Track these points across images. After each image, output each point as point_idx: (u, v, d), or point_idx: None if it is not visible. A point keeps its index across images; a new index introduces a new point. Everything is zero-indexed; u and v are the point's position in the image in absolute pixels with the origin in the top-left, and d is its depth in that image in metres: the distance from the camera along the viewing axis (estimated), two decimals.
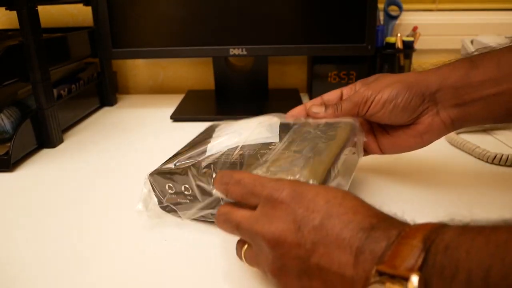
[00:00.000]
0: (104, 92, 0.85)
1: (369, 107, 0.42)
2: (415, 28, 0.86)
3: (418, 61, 0.94)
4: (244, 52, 0.76)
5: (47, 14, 0.94)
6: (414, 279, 0.21)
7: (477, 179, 0.49)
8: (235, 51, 0.76)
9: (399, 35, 0.83)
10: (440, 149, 0.57)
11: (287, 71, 0.98)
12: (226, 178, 0.32)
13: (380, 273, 0.23)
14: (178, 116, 0.75)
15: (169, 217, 0.42)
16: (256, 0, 0.74)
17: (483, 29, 0.88)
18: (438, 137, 0.43)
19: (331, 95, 0.47)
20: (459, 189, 0.47)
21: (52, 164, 0.57)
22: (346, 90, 0.47)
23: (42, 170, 0.55)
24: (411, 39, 0.84)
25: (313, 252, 0.26)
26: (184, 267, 0.35)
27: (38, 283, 0.33)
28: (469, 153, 0.56)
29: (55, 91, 0.66)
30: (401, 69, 0.85)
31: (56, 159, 0.58)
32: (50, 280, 0.33)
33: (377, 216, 0.26)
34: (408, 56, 0.85)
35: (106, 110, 0.83)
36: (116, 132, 0.70)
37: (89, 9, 0.80)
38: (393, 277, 0.22)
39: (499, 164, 0.52)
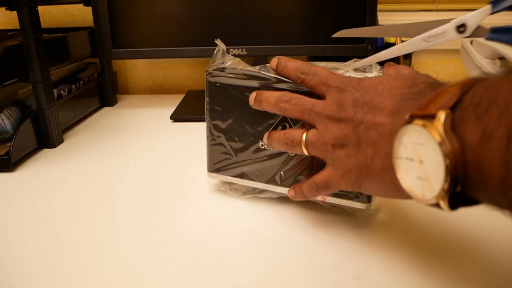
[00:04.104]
0: (104, 92, 0.85)
1: None
2: None
3: (418, 61, 0.94)
4: (244, 52, 0.76)
5: (47, 14, 0.94)
6: (441, 115, 0.23)
7: None
8: (235, 51, 0.76)
9: None
10: None
11: None
12: (305, 69, 0.37)
13: (412, 117, 0.25)
14: (178, 116, 0.75)
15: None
16: (256, 1, 0.74)
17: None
18: None
19: None
20: None
21: (52, 164, 0.57)
22: None
23: (42, 170, 0.55)
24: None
25: (362, 120, 0.32)
26: (185, 266, 0.35)
27: (38, 283, 0.33)
28: None
29: (55, 91, 0.66)
30: None
31: (56, 159, 0.58)
32: (50, 279, 0.33)
33: (419, 86, 0.30)
34: (408, 56, 0.85)
35: (106, 110, 0.83)
36: (116, 132, 0.70)
37: (89, 9, 0.80)
38: (423, 118, 0.24)
39: None
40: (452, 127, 0.22)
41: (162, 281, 0.33)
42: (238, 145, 0.43)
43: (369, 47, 0.75)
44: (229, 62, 0.43)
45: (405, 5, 0.94)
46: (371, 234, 0.38)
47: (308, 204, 0.43)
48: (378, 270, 0.33)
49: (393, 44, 0.83)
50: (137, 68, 0.99)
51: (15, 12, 0.57)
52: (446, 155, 0.22)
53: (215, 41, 0.44)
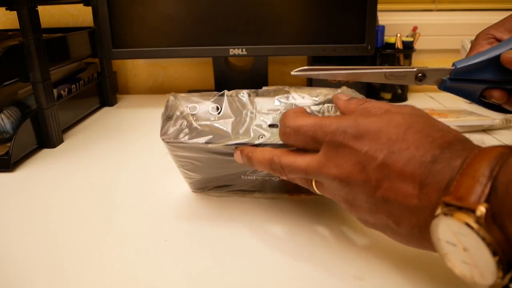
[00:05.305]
0: (104, 92, 0.85)
1: None
2: (415, 28, 0.86)
3: (418, 61, 0.94)
4: (244, 52, 0.76)
5: (47, 14, 0.94)
6: (481, 210, 0.22)
7: None
8: (235, 51, 0.76)
9: (398, 35, 0.83)
10: None
11: (287, 71, 0.98)
12: (283, 129, 0.33)
13: (447, 204, 0.24)
14: None
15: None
16: (256, 0, 0.75)
17: None
18: None
19: None
20: None
21: (52, 164, 0.57)
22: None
23: (42, 170, 0.55)
24: (410, 39, 0.84)
25: (378, 187, 0.28)
26: (185, 266, 0.35)
27: (38, 283, 0.33)
28: None
29: (55, 91, 0.66)
30: None
31: (56, 159, 0.58)
32: (50, 279, 0.33)
33: (441, 147, 0.27)
34: (408, 56, 0.85)
35: (106, 110, 0.83)
36: (116, 132, 0.70)
37: (89, 9, 0.80)
38: (460, 209, 0.23)
39: None
40: (493, 220, 0.22)
41: (162, 281, 0.33)
42: (217, 177, 0.42)
43: (369, 47, 0.75)
44: (180, 121, 0.38)
45: (405, 5, 0.94)
46: (371, 234, 0.38)
47: (307, 203, 0.43)
48: (378, 270, 0.33)
49: (393, 45, 0.83)
50: (137, 68, 0.99)
51: (15, 12, 0.57)
52: (493, 249, 0.22)
53: (169, 96, 0.40)
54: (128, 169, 0.54)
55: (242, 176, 0.42)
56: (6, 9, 0.59)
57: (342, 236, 0.38)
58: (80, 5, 0.84)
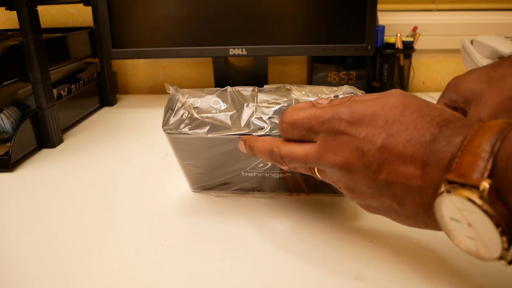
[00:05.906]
0: (104, 92, 0.85)
1: None
2: (415, 28, 0.86)
3: (418, 61, 0.95)
4: (244, 52, 0.76)
5: (47, 14, 0.94)
6: (485, 187, 0.22)
7: None
8: (235, 51, 0.76)
9: (399, 35, 0.83)
10: None
11: (287, 71, 0.98)
12: (280, 125, 0.34)
13: (450, 182, 0.24)
14: None
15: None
16: (256, 0, 0.75)
17: (483, 29, 0.89)
18: None
19: None
20: None
21: (52, 164, 0.57)
22: None
23: (42, 170, 0.55)
24: (410, 39, 0.84)
25: (379, 171, 0.28)
26: (185, 266, 0.35)
27: (38, 283, 0.33)
28: None
29: (55, 91, 0.66)
30: (401, 69, 0.85)
31: (56, 159, 0.58)
32: (49, 279, 0.33)
33: (439, 125, 0.26)
34: (408, 56, 0.85)
35: (106, 110, 0.83)
36: (116, 132, 0.70)
37: (89, 9, 0.80)
38: (463, 186, 0.23)
39: None
40: (496, 195, 0.22)
41: (162, 281, 0.33)
42: (217, 172, 0.42)
43: (369, 47, 0.75)
44: (181, 111, 0.39)
45: (405, 5, 0.94)
46: (371, 234, 0.38)
47: (307, 203, 0.43)
48: (378, 270, 0.33)
49: (393, 45, 0.83)
50: (137, 68, 0.99)
51: (15, 12, 0.57)
52: (497, 222, 0.22)
53: (166, 89, 0.41)
54: (128, 169, 0.54)
55: (243, 173, 0.42)
56: (6, 9, 0.59)
57: (342, 235, 0.38)
58: (80, 5, 0.84)
